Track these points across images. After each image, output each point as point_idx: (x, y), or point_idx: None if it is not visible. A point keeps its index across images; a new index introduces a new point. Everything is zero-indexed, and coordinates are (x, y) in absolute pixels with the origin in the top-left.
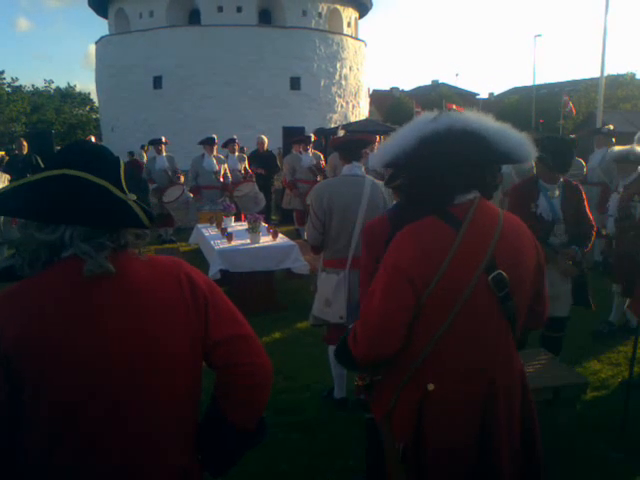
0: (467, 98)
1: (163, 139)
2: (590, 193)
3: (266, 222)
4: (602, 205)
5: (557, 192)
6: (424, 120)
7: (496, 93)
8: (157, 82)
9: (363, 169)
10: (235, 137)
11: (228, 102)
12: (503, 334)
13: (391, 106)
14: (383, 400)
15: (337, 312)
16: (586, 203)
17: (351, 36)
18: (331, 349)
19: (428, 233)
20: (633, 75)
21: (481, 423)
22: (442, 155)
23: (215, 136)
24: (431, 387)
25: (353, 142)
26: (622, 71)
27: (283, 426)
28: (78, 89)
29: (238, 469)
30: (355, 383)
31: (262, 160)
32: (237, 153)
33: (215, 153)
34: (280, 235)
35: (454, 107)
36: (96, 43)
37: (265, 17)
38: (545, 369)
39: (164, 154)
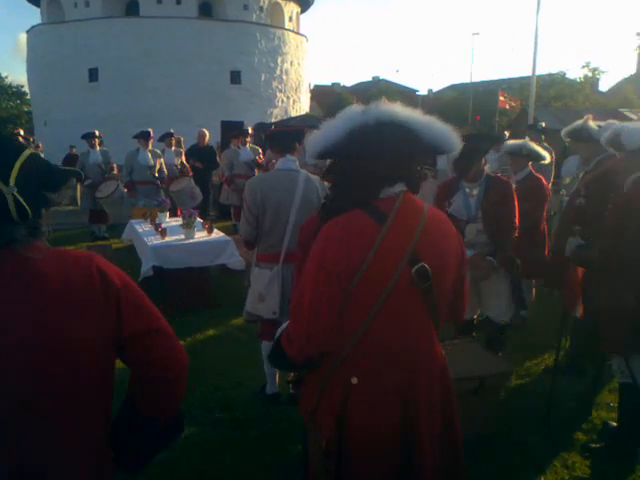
0: (407, 94)
1: (96, 133)
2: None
3: (202, 217)
4: None
5: (475, 190)
6: (353, 112)
7: (435, 90)
8: (93, 74)
9: (297, 163)
10: (172, 131)
11: (166, 96)
12: (425, 326)
13: (332, 102)
14: (309, 395)
15: (270, 307)
16: (515, 202)
17: (292, 31)
18: (264, 345)
19: (352, 227)
20: (564, 74)
21: (403, 413)
22: (369, 147)
23: (151, 130)
24: (355, 381)
25: (284, 134)
26: (554, 70)
27: (214, 423)
28: (9, 81)
29: (164, 468)
30: (288, 379)
31: (201, 154)
32: (174, 147)
33: (151, 147)
34: (215, 230)
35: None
36: (27, 32)
37: (205, 10)
38: (472, 358)
39: (98, 148)
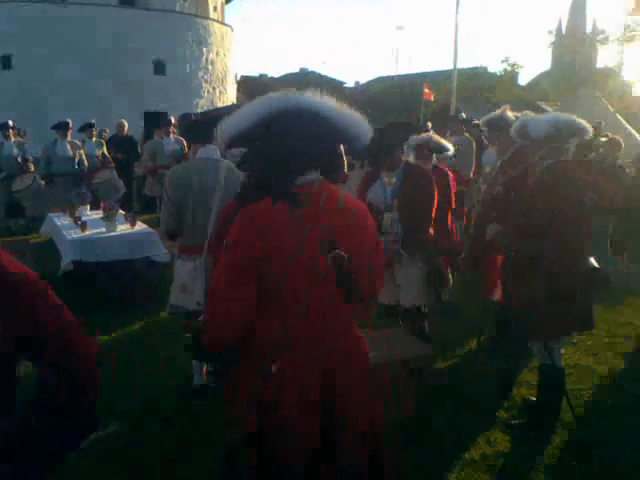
0: (335, 86)
1: (10, 123)
2: None
3: (125, 210)
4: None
5: (393, 179)
6: (266, 99)
7: (362, 82)
8: (6, 62)
9: (218, 152)
10: (93, 121)
11: (86, 85)
12: (343, 313)
13: (259, 92)
14: (231, 384)
15: (194, 298)
16: (431, 191)
17: (217, 21)
18: (189, 337)
19: (267, 214)
20: (485, 69)
21: (322, 397)
22: (280, 134)
23: (69, 121)
24: (274, 368)
25: (204, 123)
26: (477, 64)
27: (138, 418)
28: None
29: (89, 464)
30: (209, 369)
31: (121, 145)
32: (95, 138)
33: (70, 138)
34: (139, 223)
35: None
36: None
37: None
38: (397, 343)
39: (12, 140)
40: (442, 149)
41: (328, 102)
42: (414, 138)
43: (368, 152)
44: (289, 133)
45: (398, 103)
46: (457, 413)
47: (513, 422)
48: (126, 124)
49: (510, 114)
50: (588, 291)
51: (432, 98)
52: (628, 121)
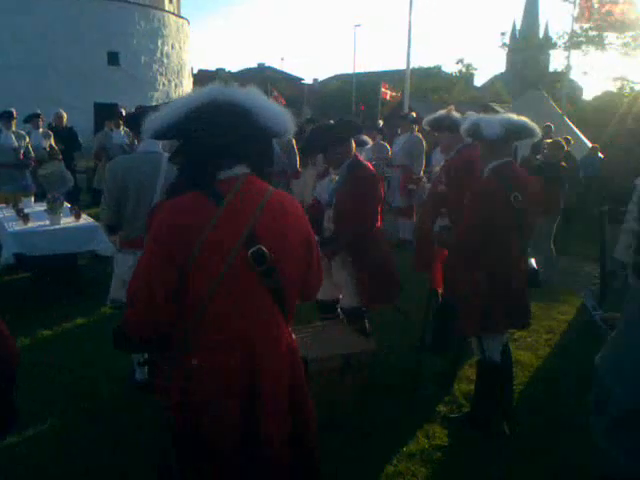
0: (293, 83)
1: None
2: (394, 175)
3: (71, 202)
4: (404, 186)
5: (336, 177)
6: (192, 94)
7: (320, 79)
8: None
9: (160, 145)
10: (39, 112)
11: (36, 75)
12: (267, 308)
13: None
14: (160, 377)
15: None
16: (364, 191)
17: (173, 13)
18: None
19: (189, 207)
20: (439, 68)
21: (244, 399)
22: (207, 128)
23: (13, 110)
24: (195, 362)
25: (143, 116)
26: (431, 64)
27: (79, 413)
28: None
29: (25, 462)
30: (139, 362)
31: (60, 136)
32: (41, 129)
33: (14, 128)
34: (84, 216)
35: (275, 92)
36: None
37: None
38: (338, 338)
39: None
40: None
41: (256, 96)
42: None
43: (304, 147)
44: (215, 127)
45: (355, 101)
46: (396, 408)
47: (452, 416)
48: (65, 115)
49: (455, 114)
50: (525, 289)
51: (388, 97)
52: (578, 124)
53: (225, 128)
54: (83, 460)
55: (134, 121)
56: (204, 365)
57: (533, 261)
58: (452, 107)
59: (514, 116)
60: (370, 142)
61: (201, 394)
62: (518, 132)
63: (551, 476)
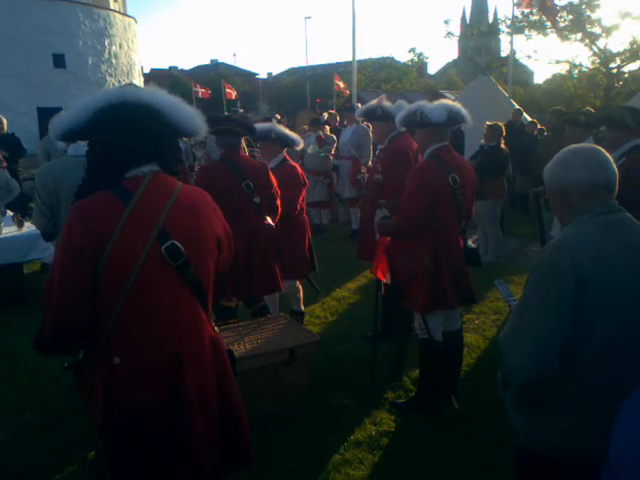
0: (247, 78)
1: None
2: (343, 167)
3: (18, 210)
4: (353, 177)
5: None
6: (100, 94)
7: (274, 73)
8: None
9: None
10: None
11: None
12: (187, 302)
13: (170, 85)
14: (83, 379)
15: None
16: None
17: (118, 12)
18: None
19: (97, 207)
20: (392, 59)
21: (170, 392)
22: (115, 128)
23: None
24: (117, 361)
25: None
26: (384, 54)
27: (26, 425)
28: None
29: None
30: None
31: (3, 143)
32: None
33: None
34: (27, 224)
35: (228, 89)
36: None
37: None
38: (282, 332)
39: None
40: (291, 142)
41: (165, 96)
42: (257, 127)
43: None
44: (122, 126)
45: (310, 94)
46: (344, 396)
47: (399, 401)
48: (5, 121)
49: (387, 103)
50: (466, 268)
51: (341, 89)
52: (529, 107)
53: (134, 129)
54: (25, 475)
55: None
56: (126, 363)
57: (470, 242)
58: (384, 96)
59: (449, 102)
60: (301, 143)
61: (125, 391)
62: (459, 118)
63: (496, 455)
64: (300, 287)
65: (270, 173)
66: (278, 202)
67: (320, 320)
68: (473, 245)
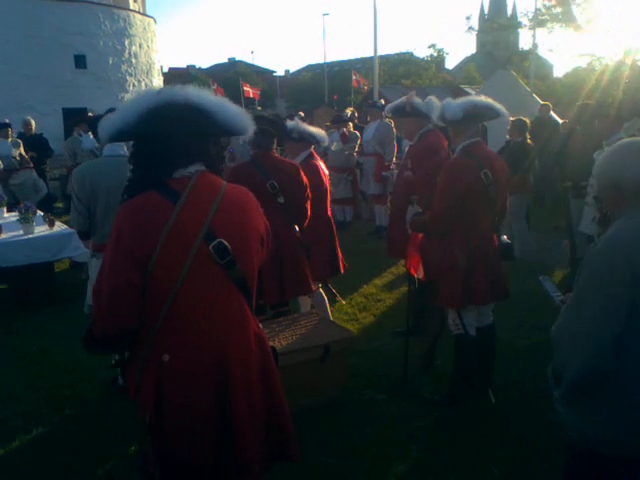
0: (264, 76)
1: None
2: (367, 164)
3: (45, 210)
4: (378, 174)
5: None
6: (147, 94)
7: (292, 70)
8: None
9: (125, 148)
10: (8, 121)
11: (0, 81)
12: (234, 300)
13: (188, 84)
14: (131, 376)
15: None
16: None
17: (138, 12)
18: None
19: (146, 208)
20: (411, 54)
21: (217, 389)
22: (162, 128)
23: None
24: (166, 358)
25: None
26: (403, 50)
27: (64, 420)
28: None
29: (9, 472)
30: (111, 363)
31: (30, 144)
32: (10, 138)
33: None
34: (58, 223)
35: (246, 87)
36: None
37: None
38: (315, 328)
39: None
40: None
41: (211, 96)
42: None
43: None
44: (171, 127)
45: (328, 91)
46: (375, 391)
47: (434, 397)
48: (33, 122)
49: (417, 99)
50: (499, 263)
51: (359, 85)
52: (549, 101)
53: (182, 129)
54: (71, 467)
55: (96, 125)
56: (176, 361)
57: (505, 237)
58: (414, 93)
59: (477, 98)
60: (326, 140)
61: (175, 389)
62: (480, 114)
63: (535, 450)
64: (323, 293)
65: (302, 174)
66: (308, 205)
67: (349, 316)
68: (507, 240)
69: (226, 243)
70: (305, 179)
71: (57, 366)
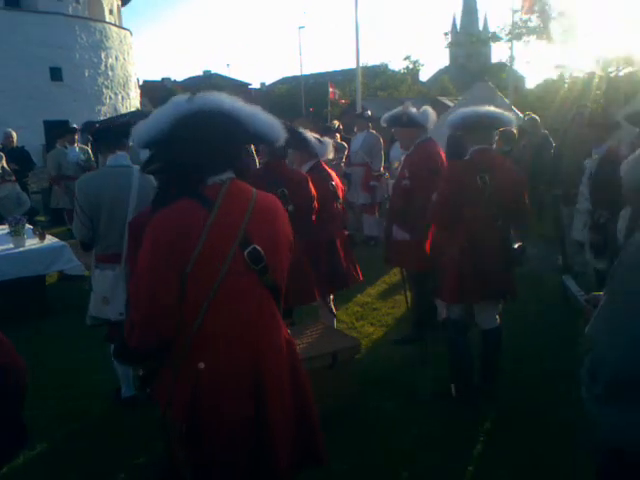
0: (240, 88)
1: None
2: (355, 174)
3: (32, 224)
4: (365, 184)
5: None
6: (179, 101)
7: (267, 83)
8: None
9: (129, 158)
10: None
11: None
12: (266, 305)
13: (163, 97)
14: (162, 386)
15: (117, 309)
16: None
17: (114, 24)
18: (114, 347)
19: (182, 215)
20: (386, 66)
21: (252, 395)
22: (195, 136)
23: None
24: (202, 365)
25: (111, 130)
26: (378, 62)
27: (68, 435)
28: None
29: None
30: (138, 374)
31: (12, 157)
32: None
33: None
34: (49, 236)
35: None
36: None
37: (12, 1)
38: (323, 337)
39: None
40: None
41: (243, 104)
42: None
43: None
44: (202, 134)
45: (304, 103)
46: (381, 398)
47: (437, 400)
48: (15, 134)
49: (412, 109)
50: (507, 265)
51: (335, 96)
52: (523, 112)
53: (215, 137)
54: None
55: (101, 136)
56: (211, 367)
57: (516, 245)
58: (409, 103)
59: (482, 109)
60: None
61: (210, 397)
62: (485, 123)
63: (550, 453)
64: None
65: (310, 185)
66: (313, 215)
67: (347, 325)
68: (516, 247)
69: (260, 249)
70: (313, 190)
71: (56, 379)
